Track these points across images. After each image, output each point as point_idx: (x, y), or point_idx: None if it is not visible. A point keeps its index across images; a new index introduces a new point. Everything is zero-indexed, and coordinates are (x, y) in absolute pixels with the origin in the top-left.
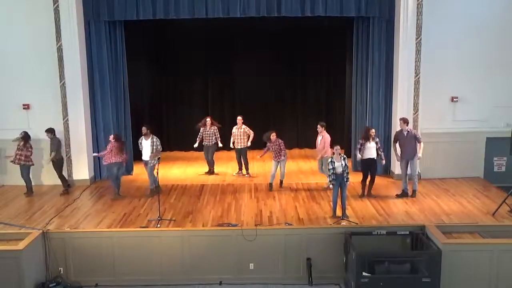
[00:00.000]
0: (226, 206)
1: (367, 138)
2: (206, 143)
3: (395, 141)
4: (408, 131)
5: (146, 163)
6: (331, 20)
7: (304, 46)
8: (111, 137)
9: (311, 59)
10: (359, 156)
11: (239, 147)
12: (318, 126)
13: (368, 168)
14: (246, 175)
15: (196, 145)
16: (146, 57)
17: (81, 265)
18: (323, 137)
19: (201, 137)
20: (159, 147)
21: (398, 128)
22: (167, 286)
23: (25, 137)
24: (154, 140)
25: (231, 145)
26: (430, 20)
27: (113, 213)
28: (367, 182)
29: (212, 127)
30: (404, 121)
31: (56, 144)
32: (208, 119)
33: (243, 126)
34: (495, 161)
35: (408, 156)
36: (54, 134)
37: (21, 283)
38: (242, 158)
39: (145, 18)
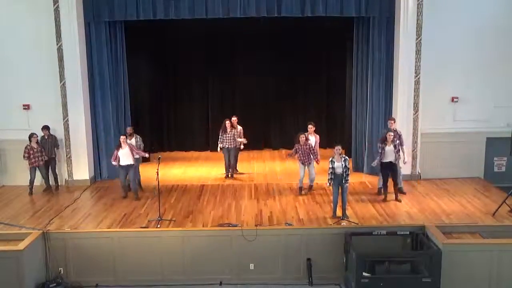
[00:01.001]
0: (226, 206)
1: (385, 141)
2: (227, 145)
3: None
4: (395, 130)
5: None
6: (331, 20)
7: (304, 46)
8: (124, 138)
9: (311, 59)
10: (375, 162)
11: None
12: (310, 126)
13: (388, 171)
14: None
15: (219, 149)
16: (146, 57)
17: (81, 266)
18: (316, 137)
19: (222, 140)
20: (142, 145)
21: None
22: (168, 286)
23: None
24: (138, 139)
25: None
26: (430, 20)
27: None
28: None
29: (233, 130)
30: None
31: (57, 141)
32: (228, 122)
33: (238, 126)
34: (495, 161)
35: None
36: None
37: (21, 283)
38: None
39: (145, 19)
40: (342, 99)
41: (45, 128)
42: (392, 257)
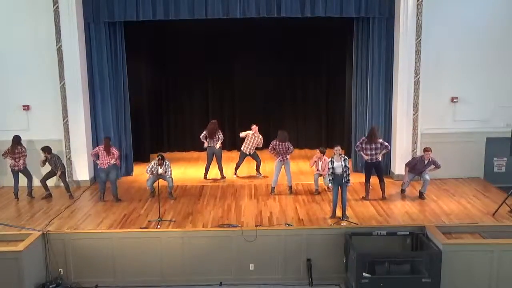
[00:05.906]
0: (226, 207)
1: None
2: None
3: (411, 166)
4: (429, 159)
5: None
6: (331, 20)
7: (304, 46)
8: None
9: (311, 59)
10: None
11: (252, 152)
12: (318, 151)
13: (370, 170)
14: (260, 176)
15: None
16: (146, 57)
17: (81, 266)
18: (325, 161)
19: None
20: (170, 170)
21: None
22: (167, 287)
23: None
24: (169, 169)
25: (243, 147)
26: (430, 20)
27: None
28: (370, 185)
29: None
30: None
31: (60, 160)
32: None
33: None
34: (495, 162)
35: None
36: (51, 152)
37: (21, 284)
38: (256, 160)
39: (145, 19)
40: (342, 99)
41: (45, 150)
42: (392, 257)
